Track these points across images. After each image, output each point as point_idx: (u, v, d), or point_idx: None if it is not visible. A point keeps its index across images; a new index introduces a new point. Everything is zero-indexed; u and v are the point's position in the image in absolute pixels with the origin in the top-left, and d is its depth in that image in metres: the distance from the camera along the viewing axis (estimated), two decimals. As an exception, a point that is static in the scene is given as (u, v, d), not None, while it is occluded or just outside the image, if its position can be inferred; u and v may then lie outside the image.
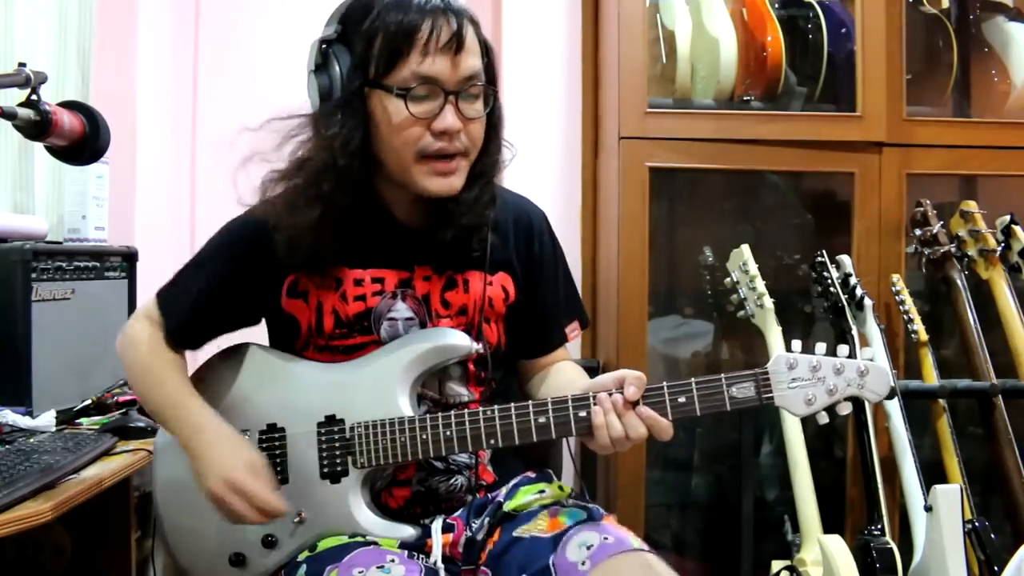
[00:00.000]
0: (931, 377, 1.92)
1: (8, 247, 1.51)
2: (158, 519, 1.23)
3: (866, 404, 1.09)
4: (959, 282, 1.96)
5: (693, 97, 2.16)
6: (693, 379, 1.07)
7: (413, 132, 1.11)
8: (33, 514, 1.04)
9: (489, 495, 1.22)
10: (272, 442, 1.17)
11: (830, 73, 2.16)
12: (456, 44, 1.09)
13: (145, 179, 2.10)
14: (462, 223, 1.17)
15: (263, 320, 1.27)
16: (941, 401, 1.90)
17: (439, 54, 1.09)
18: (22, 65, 1.02)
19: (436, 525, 1.17)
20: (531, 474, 1.26)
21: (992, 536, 1.69)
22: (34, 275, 1.51)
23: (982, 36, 2.31)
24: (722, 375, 1.06)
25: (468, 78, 1.12)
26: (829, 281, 1.94)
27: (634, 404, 1.06)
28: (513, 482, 1.24)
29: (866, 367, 1.06)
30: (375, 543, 1.12)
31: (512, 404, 1.10)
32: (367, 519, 1.14)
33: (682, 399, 1.06)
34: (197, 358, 1.28)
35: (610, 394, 1.06)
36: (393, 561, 1.06)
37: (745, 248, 1.95)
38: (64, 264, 1.59)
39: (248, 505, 1.08)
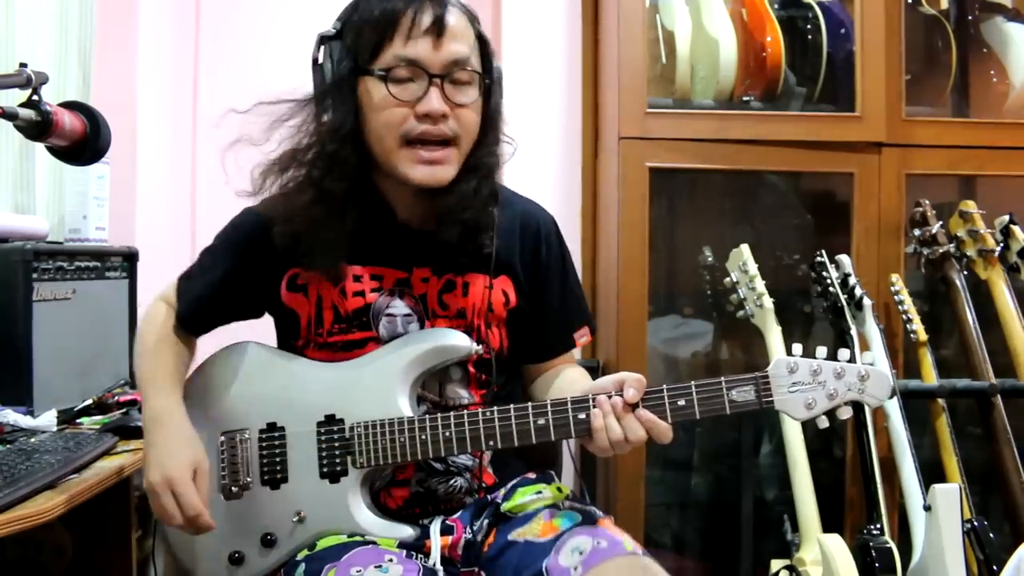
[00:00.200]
0: (930, 377, 1.93)
1: (9, 247, 1.51)
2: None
3: (865, 406, 1.09)
4: (958, 282, 1.96)
5: (693, 97, 2.16)
6: (693, 382, 1.07)
7: (395, 114, 1.12)
8: (34, 513, 1.04)
9: (488, 497, 1.22)
10: (272, 441, 1.18)
11: (829, 73, 2.16)
12: (438, 28, 1.11)
13: (146, 179, 2.10)
14: (463, 218, 1.16)
15: (266, 313, 1.28)
16: (940, 401, 1.90)
17: (421, 37, 1.11)
18: (23, 65, 1.02)
19: (435, 526, 1.17)
20: (531, 475, 1.26)
21: (991, 536, 1.69)
22: (35, 275, 1.51)
23: (981, 36, 2.31)
24: (722, 378, 1.06)
25: (453, 62, 1.12)
26: (828, 281, 1.94)
27: (633, 407, 1.06)
28: (512, 483, 1.24)
29: (867, 372, 1.06)
30: (374, 543, 1.12)
31: (511, 406, 1.11)
32: (366, 519, 1.14)
33: (682, 402, 1.06)
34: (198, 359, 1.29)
35: (609, 397, 1.06)
36: (391, 561, 1.06)
37: (745, 248, 1.95)
38: (65, 264, 1.59)
39: (177, 507, 1.08)
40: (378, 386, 1.16)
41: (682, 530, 2.39)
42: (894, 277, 2.00)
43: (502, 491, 1.22)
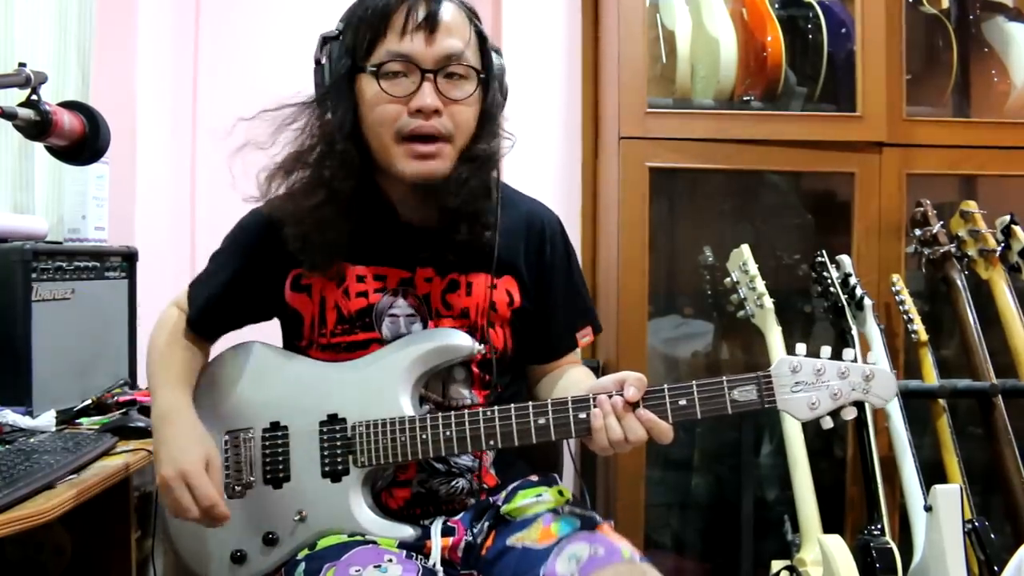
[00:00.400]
0: (931, 377, 1.92)
1: (8, 247, 1.51)
2: (161, 516, 1.23)
3: (867, 406, 1.07)
4: (959, 282, 1.96)
5: (693, 97, 2.16)
6: (694, 381, 1.06)
7: (388, 110, 1.12)
8: (33, 514, 1.04)
9: (490, 498, 1.22)
10: (275, 440, 1.18)
11: (830, 73, 2.16)
12: (431, 23, 1.11)
13: (145, 179, 2.09)
14: (448, 205, 1.15)
15: (274, 317, 1.28)
16: (941, 401, 1.90)
17: (414, 33, 1.11)
18: (22, 65, 1.02)
19: (436, 527, 1.17)
20: (533, 477, 1.26)
21: (992, 536, 1.69)
22: (34, 275, 1.51)
23: (982, 36, 2.31)
24: (723, 378, 1.06)
25: (446, 57, 1.12)
26: (829, 281, 1.94)
27: (634, 406, 1.05)
28: (513, 485, 1.23)
29: (871, 371, 1.05)
30: (374, 542, 1.12)
31: (512, 405, 1.10)
32: (367, 518, 1.14)
33: (683, 402, 1.06)
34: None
35: (610, 396, 1.06)
36: (391, 561, 1.06)
37: (745, 248, 1.95)
38: (64, 264, 1.59)
39: (192, 500, 1.09)
40: (381, 386, 1.16)
41: (682, 530, 2.39)
42: (895, 277, 2.00)
43: (503, 493, 1.22)
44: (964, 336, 1.92)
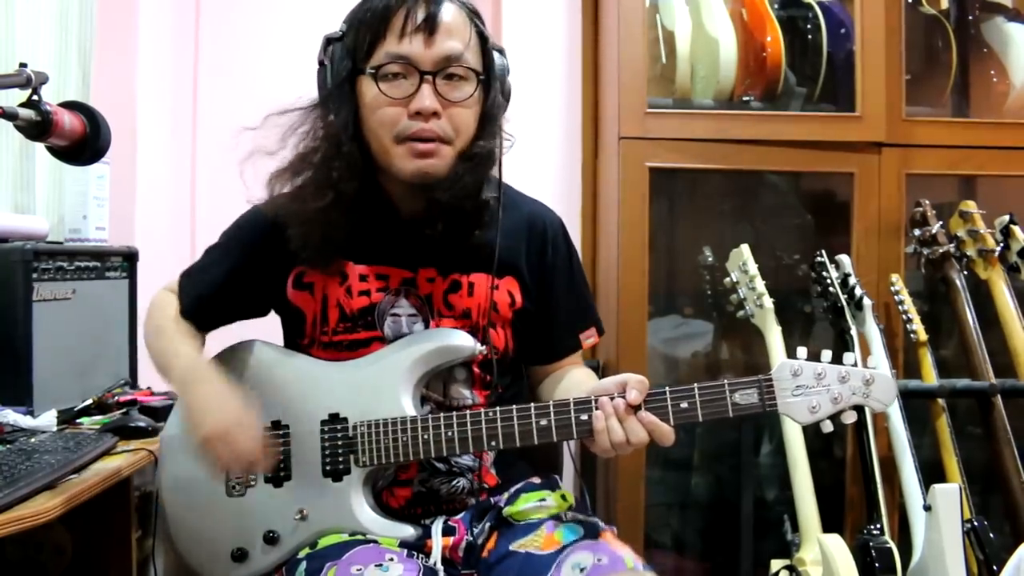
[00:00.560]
0: (930, 377, 1.92)
1: (9, 247, 1.51)
2: (162, 514, 1.23)
3: (867, 409, 1.08)
4: (958, 282, 1.96)
5: (693, 97, 2.16)
6: (696, 384, 1.06)
7: (388, 113, 1.12)
8: (34, 514, 1.04)
9: (491, 499, 1.22)
10: (276, 439, 1.18)
11: (829, 73, 2.16)
12: (431, 24, 1.11)
13: (145, 179, 2.10)
14: (438, 199, 1.15)
15: (271, 312, 1.29)
16: (940, 401, 1.90)
17: (413, 34, 1.11)
18: (23, 65, 1.02)
19: (436, 526, 1.17)
20: (535, 480, 1.26)
21: (991, 535, 1.69)
22: (35, 275, 1.51)
23: (981, 36, 2.31)
24: (725, 381, 1.06)
25: (446, 59, 1.12)
26: (828, 281, 1.94)
27: (636, 408, 1.06)
28: (516, 487, 1.24)
29: (872, 376, 1.06)
30: (375, 542, 1.12)
31: (514, 406, 1.11)
32: (368, 517, 1.14)
33: (684, 404, 1.06)
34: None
35: (612, 398, 1.06)
36: (392, 560, 1.06)
37: (745, 248, 1.95)
38: (65, 264, 1.59)
39: (235, 454, 1.09)
40: (382, 385, 1.16)
41: (682, 530, 2.39)
42: (894, 277, 2.00)
43: (505, 495, 1.22)
44: (963, 336, 1.92)
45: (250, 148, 1.16)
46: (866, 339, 1.89)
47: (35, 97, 1.01)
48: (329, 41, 1.17)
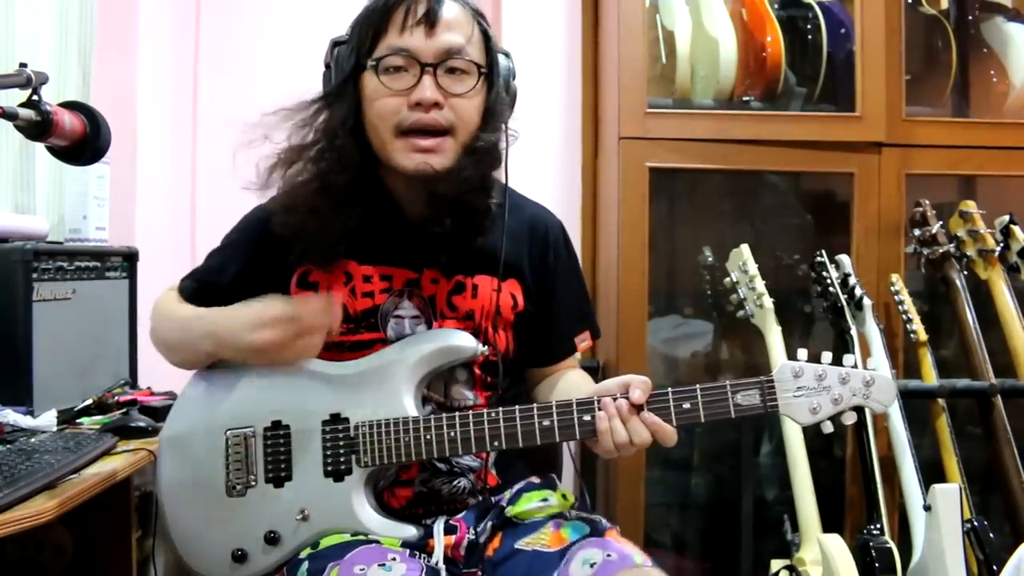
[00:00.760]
0: (930, 377, 1.93)
1: (9, 247, 1.51)
2: (161, 515, 1.23)
3: (867, 410, 1.09)
4: (958, 282, 1.96)
5: (693, 97, 2.16)
6: (698, 385, 1.07)
7: (388, 104, 1.13)
8: (34, 514, 1.04)
9: (492, 499, 1.22)
10: (277, 439, 1.17)
11: (829, 73, 2.16)
12: (432, 18, 1.12)
13: (145, 179, 2.10)
14: (440, 192, 1.15)
15: None
16: (940, 401, 1.90)
17: (414, 28, 1.12)
18: (23, 65, 1.02)
19: (438, 526, 1.17)
20: (535, 479, 1.26)
21: (991, 535, 1.69)
22: (35, 275, 1.51)
23: (981, 36, 2.31)
24: (727, 382, 1.07)
25: (447, 51, 1.13)
26: (828, 281, 1.94)
27: (639, 409, 1.06)
28: (517, 487, 1.24)
29: (872, 377, 1.06)
30: (377, 542, 1.12)
31: (516, 407, 1.11)
32: (369, 518, 1.14)
33: (687, 405, 1.07)
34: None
35: (615, 399, 1.07)
36: (395, 560, 1.06)
37: (744, 248, 1.95)
38: (65, 264, 1.59)
39: (312, 310, 1.13)
40: (384, 386, 1.16)
41: (682, 530, 2.39)
42: (894, 277, 2.00)
43: (507, 494, 1.22)
44: (963, 336, 1.92)
45: (259, 135, 1.17)
46: (866, 339, 1.89)
47: (35, 97, 1.01)
48: (335, 44, 1.18)
